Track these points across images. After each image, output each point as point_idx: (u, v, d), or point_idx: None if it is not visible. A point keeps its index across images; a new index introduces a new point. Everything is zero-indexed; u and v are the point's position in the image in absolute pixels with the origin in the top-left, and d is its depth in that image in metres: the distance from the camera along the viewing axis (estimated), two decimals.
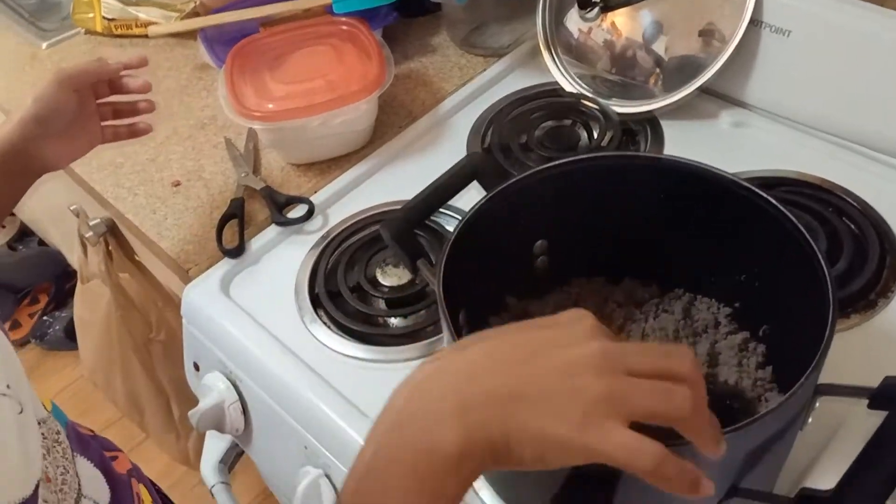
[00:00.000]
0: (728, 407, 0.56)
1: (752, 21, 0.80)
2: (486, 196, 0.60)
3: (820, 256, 0.51)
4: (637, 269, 0.66)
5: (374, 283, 0.74)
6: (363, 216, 0.80)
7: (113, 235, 0.91)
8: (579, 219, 0.63)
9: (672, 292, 0.65)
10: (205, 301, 0.74)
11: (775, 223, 0.54)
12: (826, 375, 0.48)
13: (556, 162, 0.60)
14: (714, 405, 0.38)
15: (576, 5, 0.91)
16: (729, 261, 0.60)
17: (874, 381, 0.47)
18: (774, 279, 0.57)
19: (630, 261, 0.65)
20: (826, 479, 0.51)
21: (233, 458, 0.80)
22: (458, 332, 0.58)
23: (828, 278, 0.50)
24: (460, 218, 0.58)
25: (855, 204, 0.73)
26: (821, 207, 0.72)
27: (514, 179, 0.61)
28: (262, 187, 0.83)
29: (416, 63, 0.99)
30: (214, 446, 0.80)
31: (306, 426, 0.66)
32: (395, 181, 0.84)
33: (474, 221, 0.59)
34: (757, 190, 0.56)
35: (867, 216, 0.71)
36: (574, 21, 0.91)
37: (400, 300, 0.73)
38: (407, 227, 0.59)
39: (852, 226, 0.71)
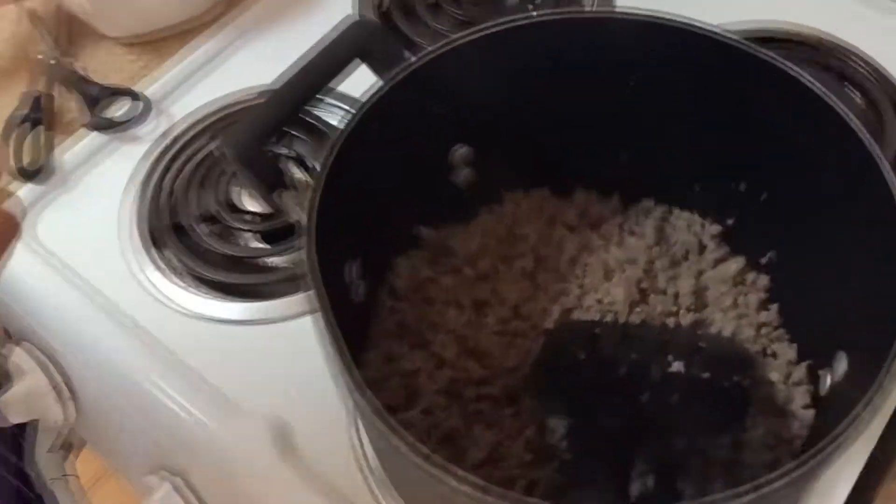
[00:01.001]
0: (726, 373, 0.40)
1: None
2: (380, 85, 0.40)
3: (866, 138, 0.35)
4: (592, 176, 0.48)
5: (237, 210, 0.54)
6: (217, 113, 0.59)
7: None
8: (513, 108, 0.45)
9: (638, 205, 0.48)
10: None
11: (795, 96, 0.37)
12: None
13: (482, 28, 0.41)
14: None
15: None
16: (718, 157, 0.43)
17: None
18: (788, 180, 0.40)
19: (582, 164, 0.48)
20: None
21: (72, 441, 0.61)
22: (345, 293, 0.40)
23: (883, 168, 0.34)
24: (347, 110, 0.39)
25: (862, 66, 0.56)
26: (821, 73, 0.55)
27: (421, 57, 0.41)
28: (72, 74, 0.60)
29: None
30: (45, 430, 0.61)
31: (152, 420, 0.48)
32: (260, 61, 0.62)
33: (363, 126, 0.39)
34: (764, 51, 0.38)
35: (880, 83, 0.55)
36: None
37: (276, 232, 0.53)
38: (254, 140, 0.39)
39: (859, 96, 0.55)
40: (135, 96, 0.59)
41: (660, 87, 0.42)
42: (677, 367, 0.38)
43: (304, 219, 0.38)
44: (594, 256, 0.46)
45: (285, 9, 0.66)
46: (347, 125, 0.39)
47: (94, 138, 0.58)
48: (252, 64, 0.62)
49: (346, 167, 0.39)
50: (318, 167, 0.40)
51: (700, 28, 0.41)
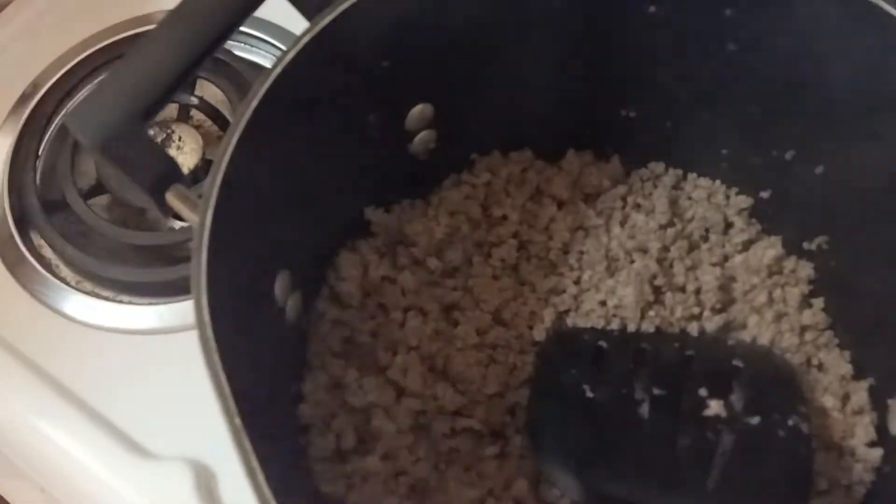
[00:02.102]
0: (779, 415, 0.31)
1: None
2: (308, 30, 0.28)
3: None
4: (586, 134, 0.38)
5: None
6: (84, 48, 0.45)
7: None
8: (484, 47, 0.33)
9: (645, 169, 0.38)
10: None
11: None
12: None
13: None
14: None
15: None
16: (763, 116, 0.33)
17: None
18: (859, 154, 0.31)
19: (574, 118, 0.37)
20: None
21: None
22: (273, 316, 0.30)
23: None
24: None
25: None
26: None
27: None
28: None
29: None
30: None
31: (35, 460, 0.37)
32: None
33: (281, 88, 0.28)
34: None
35: None
36: None
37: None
38: (127, 120, 0.27)
39: None
40: None
41: (689, 16, 0.31)
42: (716, 407, 0.30)
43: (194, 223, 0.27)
44: (592, 241, 0.36)
45: None
46: (256, 89, 0.27)
47: None
48: None
49: (260, 146, 0.27)
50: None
51: None
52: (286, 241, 0.31)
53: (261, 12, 0.29)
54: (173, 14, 0.29)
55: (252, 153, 0.27)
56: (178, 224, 0.43)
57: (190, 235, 0.41)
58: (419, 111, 0.35)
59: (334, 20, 0.29)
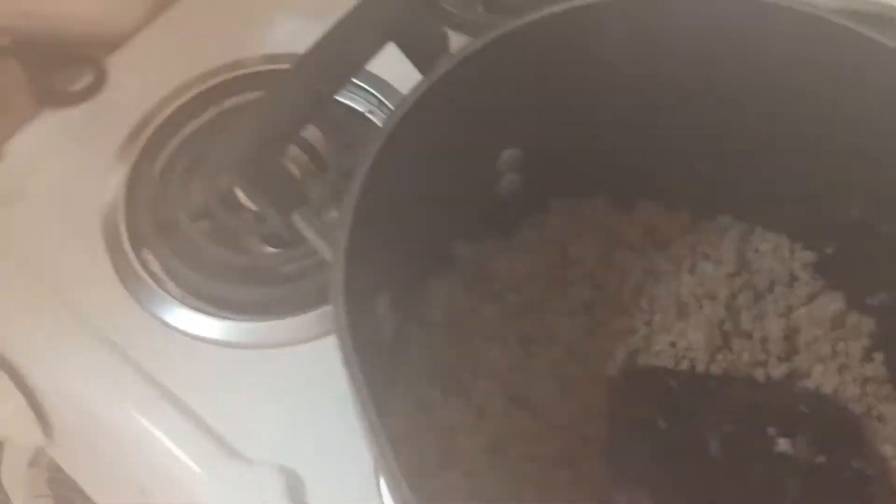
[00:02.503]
0: (843, 455, 0.33)
1: None
2: (427, 80, 0.32)
3: None
4: (659, 186, 0.41)
5: (234, 206, 0.46)
6: (194, 87, 0.49)
7: None
8: (572, 103, 0.37)
9: (713, 221, 0.41)
10: None
11: None
12: None
13: (545, 10, 0.32)
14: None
15: None
16: (830, 174, 0.36)
17: None
18: None
19: (649, 171, 0.40)
20: None
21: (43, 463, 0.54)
22: (374, 332, 0.33)
23: None
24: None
25: None
26: None
27: (472, 45, 0.33)
28: (13, 42, 0.49)
29: None
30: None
31: (135, 458, 0.41)
32: (240, 19, 0.52)
33: (398, 132, 0.31)
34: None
35: None
36: None
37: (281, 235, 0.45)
38: (261, 154, 0.31)
39: None
40: (92, 64, 0.49)
41: (764, 85, 0.34)
42: (784, 445, 0.32)
43: (326, 251, 0.30)
44: (663, 286, 0.39)
45: None
46: (381, 134, 0.31)
47: (48, 117, 0.48)
48: (236, 23, 0.53)
49: (379, 182, 0.31)
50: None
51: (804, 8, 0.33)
52: (387, 267, 0.35)
53: None
54: (301, 61, 0.33)
55: (371, 189, 0.30)
56: (270, 249, 0.47)
57: (279, 261, 0.45)
58: (509, 155, 0.38)
59: (450, 71, 0.32)
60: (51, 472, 0.53)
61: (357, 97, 0.49)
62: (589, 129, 0.39)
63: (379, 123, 0.48)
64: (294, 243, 0.45)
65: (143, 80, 0.49)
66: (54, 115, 0.48)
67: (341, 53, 0.34)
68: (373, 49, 0.34)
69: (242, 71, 0.51)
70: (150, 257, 0.44)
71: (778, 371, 0.36)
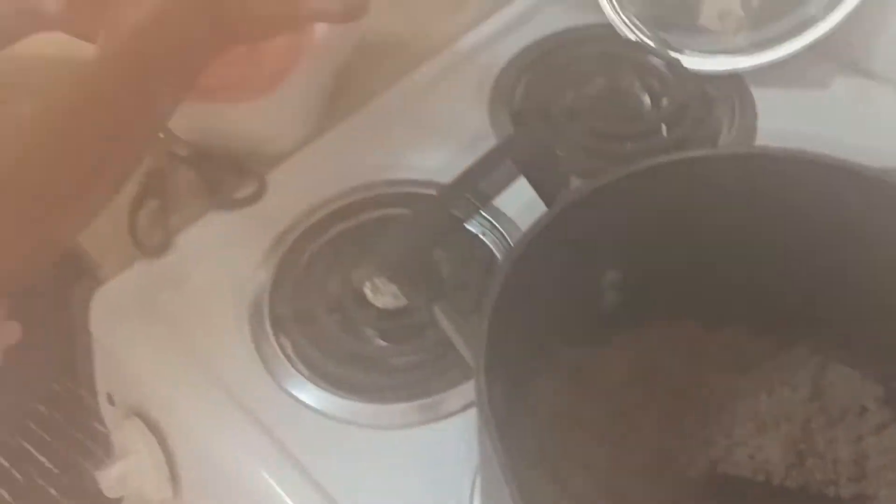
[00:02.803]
0: None
1: None
2: (552, 210, 0.39)
3: None
4: (746, 313, 0.46)
5: (362, 303, 0.53)
6: (340, 200, 0.58)
7: None
8: (672, 238, 0.43)
9: (794, 350, 0.46)
10: (119, 316, 0.53)
11: None
12: None
13: (666, 159, 0.40)
14: None
15: None
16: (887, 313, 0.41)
17: None
18: None
19: (736, 300, 0.45)
20: None
21: None
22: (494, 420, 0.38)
23: None
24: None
25: None
26: None
27: (591, 183, 0.40)
28: (191, 153, 0.59)
29: None
30: None
31: None
32: (387, 147, 0.62)
33: (529, 249, 0.38)
34: None
35: None
36: None
37: (397, 330, 0.52)
38: (418, 249, 0.38)
39: None
40: (256, 177, 0.58)
41: (852, 240, 0.40)
42: None
43: (462, 347, 0.36)
44: (744, 404, 0.43)
45: (414, 96, 0.64)
46: (510, 255, 0.38)
47: (213, 217, 0.57)
48: (377, 150, 0.61)
49: (505, 301, 0.37)
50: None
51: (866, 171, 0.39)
52: (504, 370, 0.40)
53: None
54: (446, 188, 0.41)
55: (499, 302, 0.37)
56: (383, 343, 0.53)
57: (390, 353, 0.51)
58: (611, 275, 0.44)
59: (570, 204, 0.39)
60: None
61: (474, 221, 0.56)
62: (686, 259, 0.44)
63: (490, 245, 0.55)
64: (405, 340, 0.51)
65: (297, 192, 0.57)
66: (220, 216, 0.57)
67: (479, 185, 0.41)
68: (505, 182, 0.42)
69: (387, 190, 0.58)
70: (286, 341, 0.51)
71: (847, 491, 0.39)
